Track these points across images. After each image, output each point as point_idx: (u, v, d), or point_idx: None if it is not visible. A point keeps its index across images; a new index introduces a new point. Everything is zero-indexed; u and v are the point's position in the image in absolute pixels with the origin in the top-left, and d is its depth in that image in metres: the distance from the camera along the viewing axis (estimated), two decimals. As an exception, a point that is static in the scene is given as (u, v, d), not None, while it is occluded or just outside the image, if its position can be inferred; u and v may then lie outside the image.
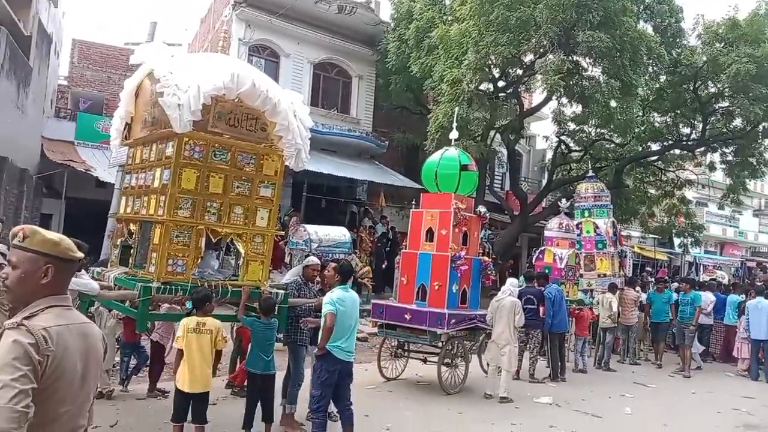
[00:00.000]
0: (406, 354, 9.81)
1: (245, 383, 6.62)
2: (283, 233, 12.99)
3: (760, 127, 17.12)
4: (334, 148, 18.48)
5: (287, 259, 13.67)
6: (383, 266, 16.18)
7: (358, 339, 12.90)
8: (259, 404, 6.02)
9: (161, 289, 5.64)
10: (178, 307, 6.42)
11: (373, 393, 8.75)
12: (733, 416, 9.08)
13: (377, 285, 16.03)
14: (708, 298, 13.99)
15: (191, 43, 24.09)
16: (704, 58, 16.22)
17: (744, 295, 14.21)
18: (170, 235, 5.77)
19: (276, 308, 6.10)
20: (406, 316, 8.94)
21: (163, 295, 5.71)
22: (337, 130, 18.52)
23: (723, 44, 15.85)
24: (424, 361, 9.62)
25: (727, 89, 16.07)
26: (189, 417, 5.50)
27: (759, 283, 18.15)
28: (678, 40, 16.59)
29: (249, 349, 6.18)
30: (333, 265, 6.74)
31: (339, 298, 5.69)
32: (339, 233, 13.85)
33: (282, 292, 6.40)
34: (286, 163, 6.30)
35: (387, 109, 20.27)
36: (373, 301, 10.55)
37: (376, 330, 10.09)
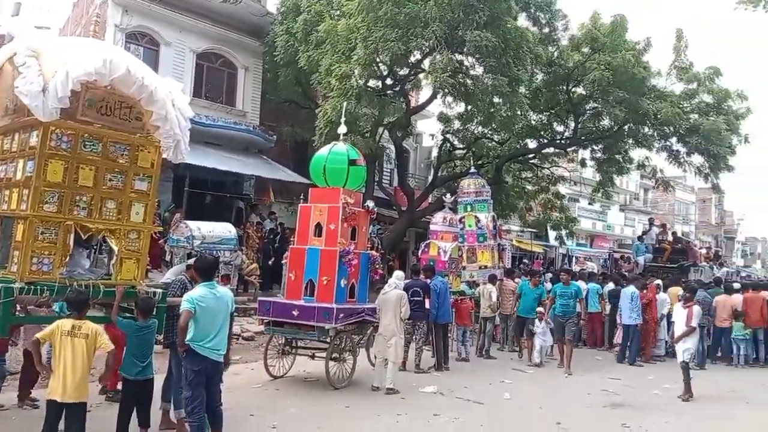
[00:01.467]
0: (293, 351, 9.72)
1: (118, 387, 6.26)
2: (161, 230, 12.41)
3: (625, 127, 18.51)
4: (219, 141, 17.87)
5: (168, 257, 13.07)
6: (271, 263, 15.88)
7: (244, 338, 12.75)
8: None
9: (25, 289, 5.22)
10: (43, 310, 5.95)
11: (260, 392, 8.61)
12: (602, 397, 9.76)
13: (265, 282, 15.75)
14: (581, 287, 15.03)
15: (62, 28, 22.35)
16: (575, 59, 17.26)
17: (613, 284, 15.32)
18: (35, 231, 5.35)
19: (155, 309, 5.80)
20: (293, 312, 8.85)
21: (28, 296, 5.30)
22: (222, 123, 17.93)
23: (589, 49, 16.94)
24: (312, 356, 9.59)
25: (594, 92, 17.21)
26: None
27: (625, 273, 19.73)
28: (552, 38, 17.56)
29: (123, 353, 5.82)
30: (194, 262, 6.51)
31: (199, 296, 5.48)
32: (224, 229, 13.41)
33: (160, 291, 6.10)
34: (164, 155, 5.99)
35: (275, 102, 19.91)
36: (260, 298, 10.35)
37: (263, 328, 9.90)
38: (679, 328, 10.03)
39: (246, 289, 15.52)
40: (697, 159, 18.86)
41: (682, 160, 19.17)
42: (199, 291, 5.57)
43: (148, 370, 5.73)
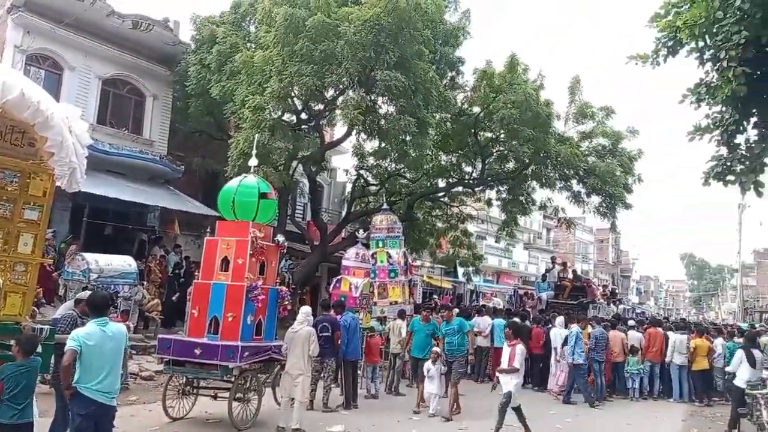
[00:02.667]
0: (195, 391, 9.28)
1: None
2: (51, 261, 11.68)
3: (529, 170, 19.37)
4: (123, 170, 17.13)
5: (62, 291, 12.27)
6: (175, 298, 15.23)
7: (142, 378, 12.07)
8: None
9: None
10: None
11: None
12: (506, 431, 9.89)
13: (168, 318, 15.07)
14: (486, 321, 15.38)
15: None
16: (479, 104, 18.00)
17: (519, 320, 15.73)
18: None
19: (38, 347, 5.36)
20: (195, 350, 8.46)
21: None
22: (126, 151, 17.20)
23: (494, 94, 17.71)
24: (215, 397, 9.19)
25: (501, 134, 17.97)
26: None
27: (529, 309, 20.39)
28: (460, 85, 18.25)
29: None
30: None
31: (86, 333, 5.14)
32: (123, 262, 12.82)
33: (47, 328, 5.67)
34: (58, 184, 5.64)
35: (185, 132, 19.40)
36: (159, 336, 9.84)
37: (162, 367, 9.40)
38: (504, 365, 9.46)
39: (147, 326, 14.78)
40: (596, 199, 19.94)
41: (581, 200, 20.21)
42: (87, 328, 5.22)
43: (26, 413, 5.23)
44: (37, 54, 16.31)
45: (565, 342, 13.67)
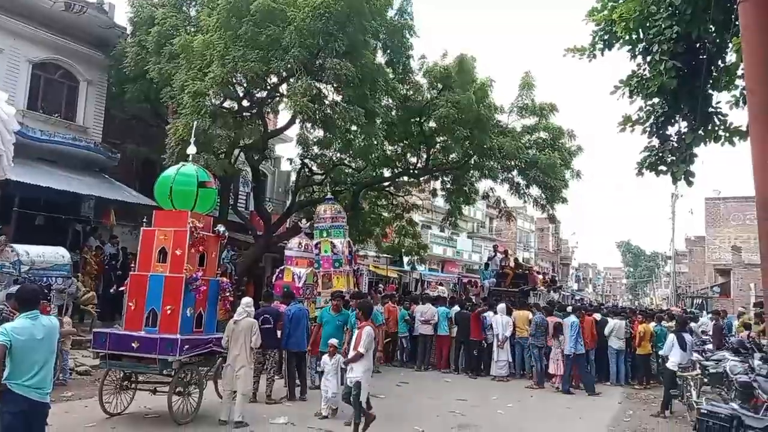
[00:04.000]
0: (133, 386, 9.02)
1: None
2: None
3: (472, 160, 19.60)
4: (55, 158, 16.40)
5: (-10, 285, 11.66)
6: (112, 291, 14.75)
7: (78, 373, 11.67)
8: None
9: None
10: None
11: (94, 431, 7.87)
12: (450, 418, 10.07)
13: (105, 311, 14.60)
14: (431, 310, 15.62)
15: None
16: (427, 96, 18.06)
17: (458, 307, 16.01)
18: None
19: None
20: (133, 344, 8.23)
21: None
22: (59, 138, 16.45)
23: (441, 86, 17.78)
24: (154, 391, 8.95)
25: (443, 127, 18.06)
26: None
27: (472, 297, 20.73)
28: (408, 76, 18.23)
29: None
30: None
31: (16, 328, 4.91)
32: (56, 254, 12.29)
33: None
34: (-20, 171, 5.34)
35: (121, 119, 18.73)
36: (95, 330, 9.51)
37: (98, 362, 9.10)
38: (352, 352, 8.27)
39: (82, 320, 14.29)
40: (535, 191, 20.37)
41: (522, 191, 20.62)
42: (16, 323, 4.98)
43: None
44: (-40, 35, 15.41)
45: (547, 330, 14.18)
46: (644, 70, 7.57)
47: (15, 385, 4.84)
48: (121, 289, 9.58)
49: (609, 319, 15.46)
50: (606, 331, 14.88)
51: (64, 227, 16.77)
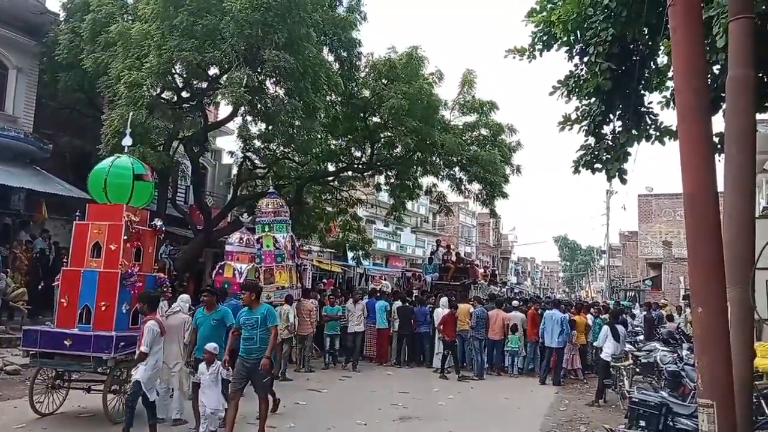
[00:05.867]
0: (65, 385, 8.73)
1: None
2: None
3: (416, 155, 19.75)
4: (-19, 148, 15.64)
5: None
6: (41, 287, 14.18)
7: (7, 372, 11.20)
8: None
9: None
10: None
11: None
12: (392, 410, 10.18)
13: (35, 308, 14.02)
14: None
15: None
16: (373, 88, 18.08)
17: (400, 302, 16.14)
18: None
19: None
20: (65, 342, 7.99)
21: None
22: (-14, 128, 15.71)
23: (386, 81, 17.85)
24: (88, 390, 8.68)
25: (389, 121, 18.13)
26: None
27: (415, 291, 20.91)
28: (353, 73, 18.20)
29: None
30: None
31: None
32: (-18, 249, 11.73)
33: None
34: None
35: (54, 108, 17.96)
36: (25, 327, 9.14)
37: (28, 360, 8.76)
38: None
39: (11, 317, 13.72)
40: (477, 186, 20.70)
41: (463, 187, 20.93)
42: None
43: None
44: None
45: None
46: (581, 70, 7.79)
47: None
48: (54, 284, 9.23)
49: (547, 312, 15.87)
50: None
51: (-8, 221, 16.01)
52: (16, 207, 16.84)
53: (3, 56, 17.01)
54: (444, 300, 15.48)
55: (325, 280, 27.19)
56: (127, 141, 9.33)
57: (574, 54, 7.84)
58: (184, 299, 9.03)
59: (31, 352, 8.30)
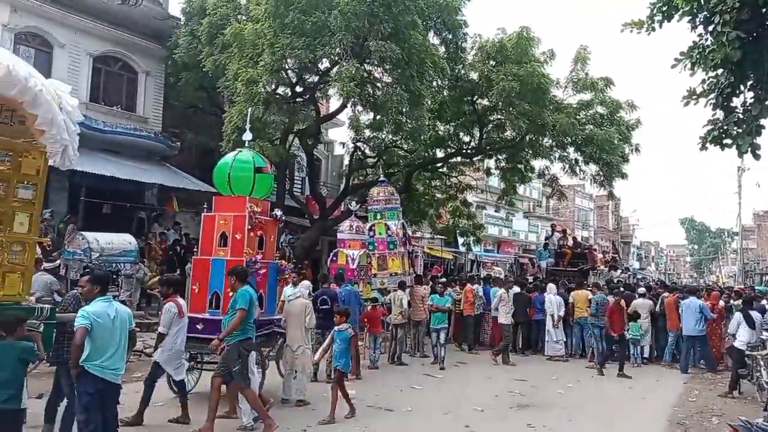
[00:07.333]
0: (199, 366, 9.34)
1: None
2: (49, 241, 11.69)
3: (527, 138, 19.25)
4: (118, 148, 17.07)
5: (62, 272, 12.29)
6: (176, 275, 15.28)
7: (147, 355, 12.17)
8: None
9: None
10: None
11: (163, 410, 8.20)
12: (508, 398, 10.04)
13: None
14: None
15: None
16: (481, 71, 17.78)
17: (518, 288, 15.81)
18: None
19: (19, 325, 5.29)
20: (198, 326, 8.49)
21: None
22: (121, 129, 17.13)
23: (494, 63, 17.51)
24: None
25: (499, 104, 17.78)
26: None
27: (529, 277, 20.45)
28: (459, 55, 18.00)
29: None
30: (86, 277, 6.13)
31: (94, 312, 5.18)
32: (123, 241, 12.83)
33: (47, 306, 5.69)
34: (51, 162, 5.60)
35: (179, 108, 19.27)
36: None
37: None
38: None
39: (149, 303, 14.86)
40: (593, 168, 19.84)
41: (578, 169, 20.13)
42: (94, 306, 5.24)
43: (13, 400, 4.95)
44: (25, 32, 16.14)
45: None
46: (706, 40, 7.23)
47: (91, 365, 5.10)
48: (189, 272, 9.88)
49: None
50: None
51: (129, 215, 17.48)
52: (150, 202, 18.29)
53: (133, 61, 18.45)
54: (552, 286, 15.03)
55: (436, 266, 27.24)
56: (247, 136, 9.80)
57: (697, 23, 7.28)
58: (304, 285, 9.42)
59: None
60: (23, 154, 5.53)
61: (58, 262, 11.63)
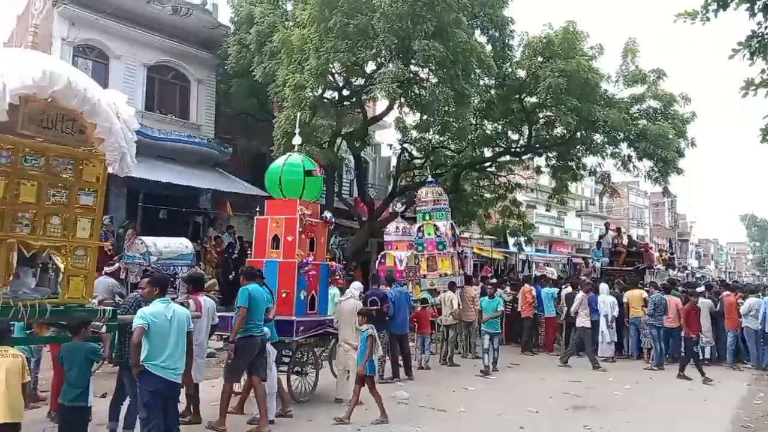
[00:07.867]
0: (304, 370, 9.50)
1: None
2: (110, 245, 12.11)
3: (578, 134, 18.89)
4: (173, 155, 17.57)
5: (123, 275, 12.73)
6: (231, 277, 15.62)
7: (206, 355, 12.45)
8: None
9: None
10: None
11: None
12: (563, 400, 9.86)
13: (225, 297, 15.46)
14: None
15: (7, 42, 21.70)
16: (528, 68, 17.54)
17: (571, 288, 15.49)
18: (-26, 250, 5.11)
19: (84, 327, 5.56)
20: (301, 328, 8.66)
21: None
22: (175, 136, 17.63)
23: (542, 59, 17.25)
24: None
25: (548, 100, 17.51)
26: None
27: (583, 277, 20.03)
28: (506, 53, 17.81)
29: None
30: (146, 279, 6.34)
31: (152, 313, 5.34)
32: (180, 245, 13.18)
33: (110, 308, 5.91)
34: (110, 169, 5.82)
35: (231, 115, 19.72)
36: (218, 314, 10.13)
37: (222, 344, 9.70)
38: None
39: (206, 306, 15.17)
40: (647, 163, 19.30)
41: (632, 165, 19.60)
42: (152, 307, 5.42)
43: (81, 397, 5.41)
44: (83, 45, 16.82)
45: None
46: (765, 28, 6.94)
47: (151, 365, 5.27)
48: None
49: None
50: (743, 310, 13.83)
51: (185, 220, 17.97)
52: (204, 206, 18.75)
53: (186, 70, 18.98)
54: (604, 286, 14.67)
55: (486, 267, 26.98)
56: (297, 140, 9.96)
57: (756, 11, 7.00)
58: (355, 286, 9.50)
59: (224, 336, 9.16)
60: (84, 162, 5.75)
61: (117, 265, 12.05)
